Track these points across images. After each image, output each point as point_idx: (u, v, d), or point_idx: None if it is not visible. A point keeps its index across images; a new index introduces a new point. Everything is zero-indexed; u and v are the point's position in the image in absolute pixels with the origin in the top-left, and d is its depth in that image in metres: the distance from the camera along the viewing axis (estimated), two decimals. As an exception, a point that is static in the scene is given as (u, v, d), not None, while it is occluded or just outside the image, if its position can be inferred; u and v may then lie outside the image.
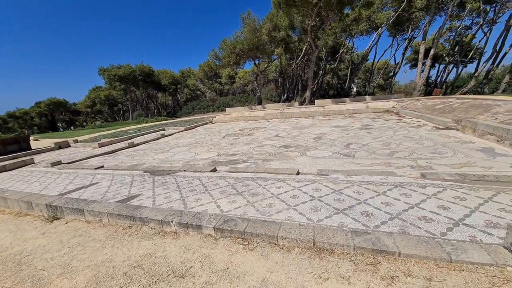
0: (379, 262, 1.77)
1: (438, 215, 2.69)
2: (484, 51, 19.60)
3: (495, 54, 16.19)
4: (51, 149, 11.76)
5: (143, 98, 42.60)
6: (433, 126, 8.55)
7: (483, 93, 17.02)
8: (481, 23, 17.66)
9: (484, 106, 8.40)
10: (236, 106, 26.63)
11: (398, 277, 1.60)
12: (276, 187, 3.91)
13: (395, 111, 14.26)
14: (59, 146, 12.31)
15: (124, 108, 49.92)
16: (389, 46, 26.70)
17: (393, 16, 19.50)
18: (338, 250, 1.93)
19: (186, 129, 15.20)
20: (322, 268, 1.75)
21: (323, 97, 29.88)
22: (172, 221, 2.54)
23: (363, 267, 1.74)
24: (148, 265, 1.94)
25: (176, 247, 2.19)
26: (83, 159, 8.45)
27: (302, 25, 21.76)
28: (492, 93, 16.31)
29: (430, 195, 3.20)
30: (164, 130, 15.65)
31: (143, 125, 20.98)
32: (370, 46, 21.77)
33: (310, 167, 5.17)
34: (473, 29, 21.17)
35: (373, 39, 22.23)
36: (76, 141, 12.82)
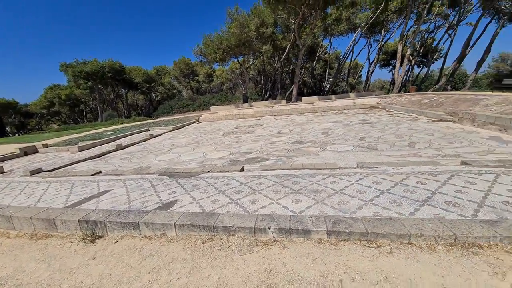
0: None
1: (522, 199, 2.69)
2: (447, 51, 22.01)
3: (459, 54, 18.17)
4: (16, 156, 10.00)
5: (113, 98, 39.17)
6: (428, 119, 9.09)
7: (449, 89, 18.91)
8: (445, 25, 19.61)
9: (470, 100, 9.17)
10: (217, 105, 25.83)
11: None
12: (330, 182, 3.67)
13: (380, 106, 15.00)
14: (25, 152, 10.55)
15: (88, 109, 45.39)
16: (363, 47, 28.28)
17: (371, 18, 20.67)
18: (484, 244, 1.77)
19: (174, 129, 14.21)
20: (485, 262, 1.56)
21: (300, 95, 30.54)
22: (269, 228, 2.13)
23: None
24: (282, 284, 1.53)
25: (295, 258, 1.79)
26: (67, 165, 7.28)
27: (286, 23, 21.88)
28: (457, 89, 18.25)
29: (491, 181, 3.24)
30: (149, 130, 14.45)
31: (121, 126, 19.18)
32: (351, 46, 22.83)
33: (344, 161, 5.04)
34: (436, 32, 23.53)
35: (353, 39, 23.34)
36: (46, 146, 11.11)
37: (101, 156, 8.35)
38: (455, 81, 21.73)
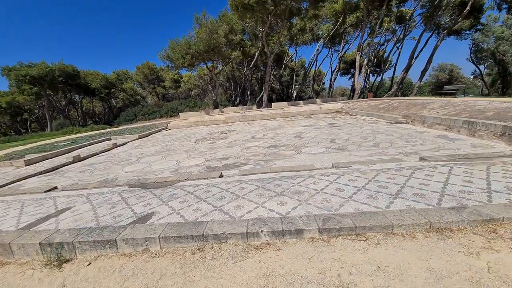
0: (495, 231, 1.90)
1: (470, 183, 3.12)
2: (397, 62, 24.98)
3: (406, 65, 20.74)
4: None
5: (64, 105, 35.18)
6: (386, 122, 10.05)
7: (399, 96, 21.32)
8: (393, 39, 22.34)
9: (419, 104, 10.42)
10: (186, 111, 25.06)
11: None
12: (311, 182, 3.79)
13: (344, 111, 16.14)
14: (-48, 169, 8.79)
15: (33, 118, 39.97)
16: (326, 56, 30.42)
17: (332, 30, 22.41)
18: (455, 228, 1.99)
19: (141, 137, 13.31)
20: (459, 244, 1.76)
21: (269, 101, 31.32)
22: (262, 231, 2.06)
23: (494, 240, 1.82)
24: (284, 287, 1.49)
25: (291, 259, 1.75)
26: (13, 182, 6.26)
27: (253, 31, 22.41)
28: (406, 96, 20.72)
29: (446, 173, 3.69)
30: (111, 139, 13.27)
31: (76, 135, 17.25)
32: (314, 55, 24.36)
33: (319, 162, 5.25)
34: (386, 45, 26.52)
35: (316, 48, 24.93)
36: (-20, 161, 9.41)
37: (55, 170, 7.38)
38: (404, 89, 24.71)
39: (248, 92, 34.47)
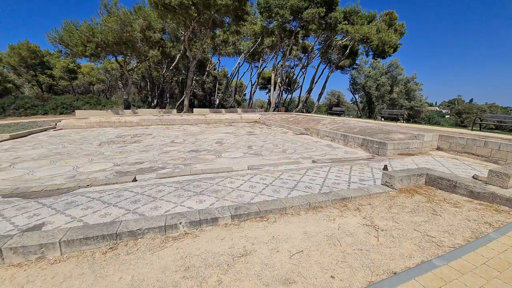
0: (346, 205, 2.86)
1: (339, 177, 4.37)
2: (302, 84, 30.18)
3: (309, 87, 25.50)
4: None
5: None
6: (293, 132, 12.00)
7: (304, 112, 25.77)
8: (300, 64, 27.00)
9: (316, 120, 13.03)
10: (84, 109, 20.89)
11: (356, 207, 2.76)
12: (228, 182, 4.19)
13: (261, 121, 17.92)
14: None
15: None
16: (247, 70, 32.77)
17: (252, 47, 24.64)
18: (323, 205, 2.82)
19: (13, 137, 10.13)
20: (324, 215, 2.56)
21: (190, 106, 30.65)
22: (180, 223, 2.15)
23: (345, 211, 2.74)
24: (199, 263, 1.69)
25: (207, 242, 1.98)
26: None
27: (175, 32, 21.59)
28: (309, 112, 25.28)
29: (327, 171, 4.96)
30: (-43, 139, 9.44)
31: None
32: (236, 68, 25.86)
33: (237, 165, 5.77)
34: (295, 68, 31.60)
35: (238, 62, 26.55)
36: None
37: None
38: (307, 106, 30.13)
39: (168, 95, 32.33)
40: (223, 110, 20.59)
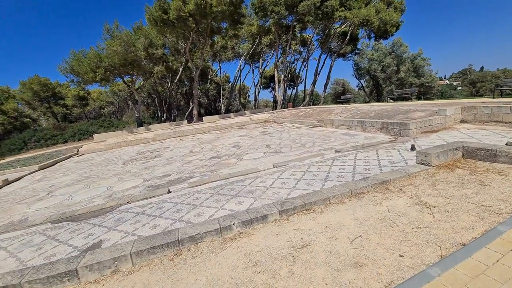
0: (388, 188, 2.86)
1: (368, 163, 4.33)
2: (306, 77, 29.93)
3: (313, 79, 25.30)
4: None
5: None
6: (306, 126, 11.94)
7: (311, 105, 25.55)
8: (301, 58, 26.88)
9: (327, 110, 12.91)
10: (99, 132, 21.68)
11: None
12: (260, 182, 4.26)
13: (271, 120, 17.93)
14: None
15: None
16: (248, 72, 33.01)
17: (251, 49, 24.78)
18: (365, 191, 2.83)
19: (42, 168, 10.69)
20: (369, 200, 2.59)
21: (198, 115, 31.08)
22: (234, 224, 2.24)
23: (388, 193, 2.73)
24: (264, 258, 1.75)
25: (263, 239, 2.09)
26: None
27: (175, 46, 22.05)
28: (316, 104, 25.05)
29: (353, 159, 4.93)
30: (-7, 176, 10.06)
31: None
32: (239, 71, 26.10)
33: (261, 165, 5.83)
34: (296, 63, 31.46)
35: (239, 65, 26.78)
36: None
37: None
38: (313, 99, 29.88)
39: (176, 108, 33.01)
40: (231, 114, 20.78)
